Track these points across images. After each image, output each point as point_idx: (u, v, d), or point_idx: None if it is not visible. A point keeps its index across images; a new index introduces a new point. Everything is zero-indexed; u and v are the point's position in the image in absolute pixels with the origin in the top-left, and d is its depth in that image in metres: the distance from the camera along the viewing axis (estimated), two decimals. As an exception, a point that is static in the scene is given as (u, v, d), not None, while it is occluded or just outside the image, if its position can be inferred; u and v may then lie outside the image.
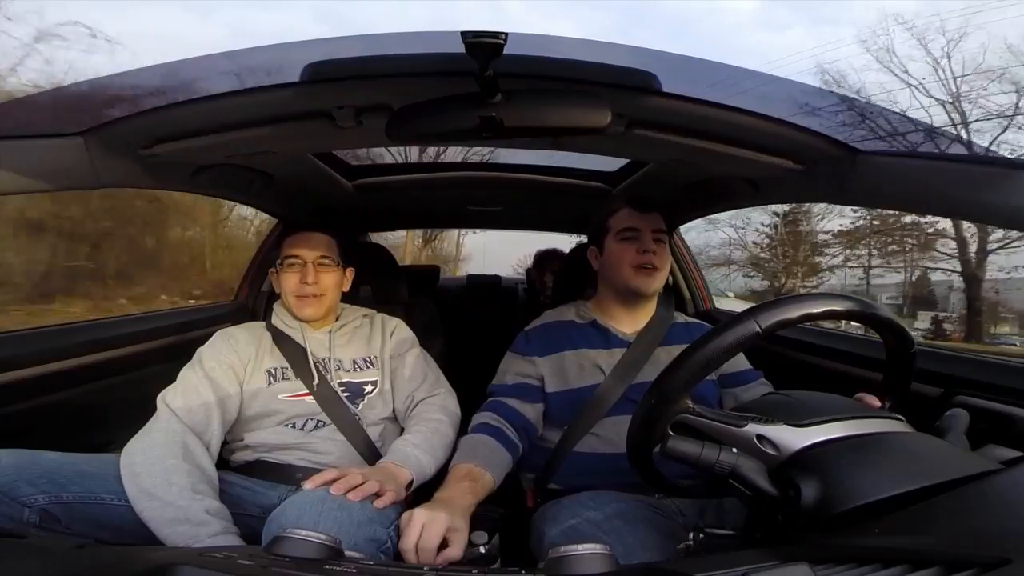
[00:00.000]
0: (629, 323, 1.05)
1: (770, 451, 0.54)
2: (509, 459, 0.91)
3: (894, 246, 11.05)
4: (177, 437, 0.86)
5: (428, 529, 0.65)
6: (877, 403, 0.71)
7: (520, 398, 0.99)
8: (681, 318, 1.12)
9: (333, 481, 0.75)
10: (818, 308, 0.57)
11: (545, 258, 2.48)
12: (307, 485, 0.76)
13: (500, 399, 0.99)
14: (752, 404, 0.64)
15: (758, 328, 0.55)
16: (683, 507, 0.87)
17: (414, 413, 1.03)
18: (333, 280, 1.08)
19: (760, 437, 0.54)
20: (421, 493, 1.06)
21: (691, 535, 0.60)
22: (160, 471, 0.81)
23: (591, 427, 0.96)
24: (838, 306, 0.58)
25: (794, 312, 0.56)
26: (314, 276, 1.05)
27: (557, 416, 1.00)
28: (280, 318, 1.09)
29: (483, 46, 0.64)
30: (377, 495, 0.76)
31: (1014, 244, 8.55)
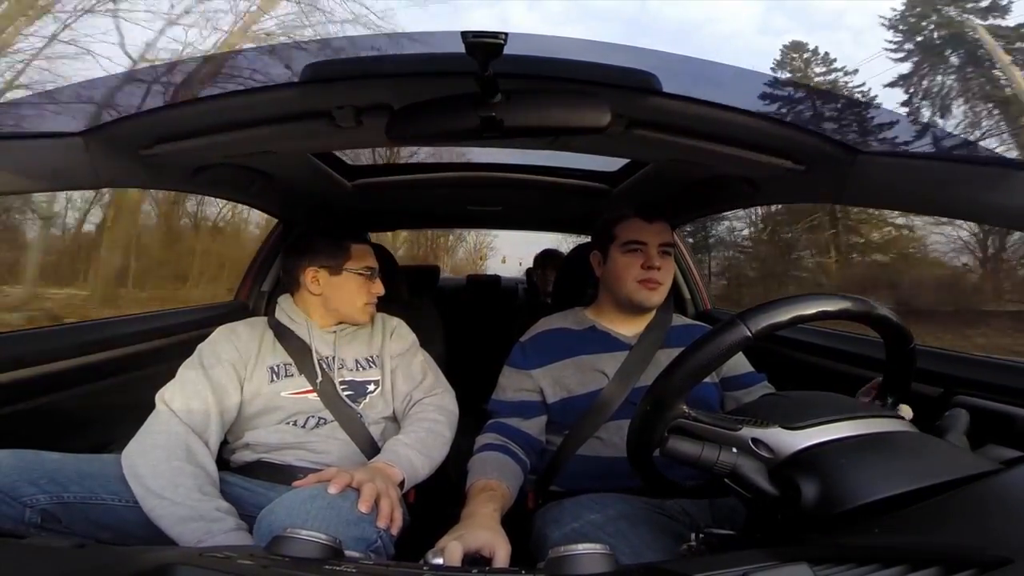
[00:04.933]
0: (629, 326, 1.05)
1: (765, 454, 0.54)
2: (520, 472, 0.91)
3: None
4: (180, 439, 0.85)
5: (462, 549, 0.61)
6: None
7: (521, 415, 0.99)
8: (681, 320, 1.11)
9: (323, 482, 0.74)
10: (809, 309, 0.56)
11: (545, 258, 2.49)
12: (296, 486, 0.76)
13: (501, 420, 0.99)
14: (748, 406, 0.64)
15: (748, 333, 0.55)
16: (686, 507, 0.87)
17: (411, 413, 1.03)
18: None
19: (755, 440, 0.54)
20: (430, 499, 1.07)
21: (692, 535, 0.60)
22: (165, 473, 0.80)
23: (594, 431, 0.95)
24: (830, 306, 0.57)
25: (784, 315, 0.56)
26: (378, 284, 1.11)
27: (559, 420, 1.00)
28: (287, 314, 1.08)
29: (483, 46, 0.64)
30: (356, 490, 0.74)
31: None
